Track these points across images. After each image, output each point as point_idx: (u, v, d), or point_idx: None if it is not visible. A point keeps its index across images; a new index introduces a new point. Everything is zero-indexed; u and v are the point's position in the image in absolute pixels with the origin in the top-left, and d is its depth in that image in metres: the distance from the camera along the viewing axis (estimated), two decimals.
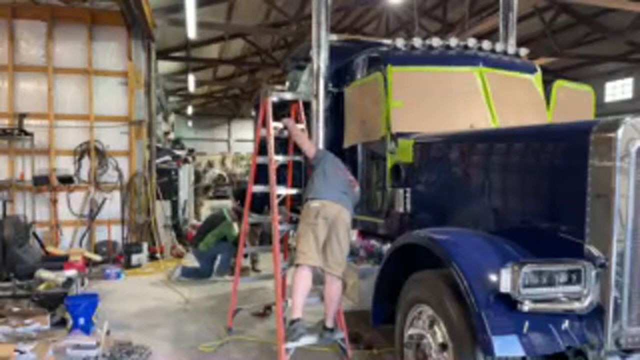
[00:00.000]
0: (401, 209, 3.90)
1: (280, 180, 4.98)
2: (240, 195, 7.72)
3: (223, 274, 7.26)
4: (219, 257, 7.32)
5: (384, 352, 4.27)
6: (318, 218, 3.94)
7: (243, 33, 14.38)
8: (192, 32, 9.59)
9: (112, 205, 8.61)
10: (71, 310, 4.68)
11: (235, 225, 7.44)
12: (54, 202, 8.40)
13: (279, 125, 4.77)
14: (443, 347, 2.78)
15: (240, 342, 4.66)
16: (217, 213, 7.92)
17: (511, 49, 4.71)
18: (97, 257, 7.87)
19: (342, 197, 4.09)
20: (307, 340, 4.01)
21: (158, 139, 11.27)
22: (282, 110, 5.19)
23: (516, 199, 3.05)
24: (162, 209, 9.11)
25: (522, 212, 2.98)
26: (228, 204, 12.60)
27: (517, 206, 3.04)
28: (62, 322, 4.84)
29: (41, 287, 5.42)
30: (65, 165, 8.49)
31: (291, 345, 3.89)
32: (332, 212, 3.97)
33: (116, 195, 8.69)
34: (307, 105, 5.02)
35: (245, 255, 7.25)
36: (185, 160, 11.99)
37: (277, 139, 4.76)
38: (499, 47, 4.60)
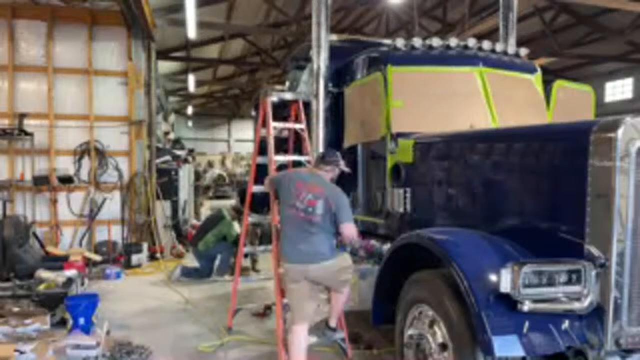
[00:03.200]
0: (401, 209, 3.90)
1: None
2: (243, 195, 7.71)
3: (223, 274, 7.26)
4: (218, 257, 7.32)
5: (384, 352, 4.27)
6: (289, 284, 3.66)
7: (243, 33, 14.38)
8: (192, 32, 9.59)
9: (112, 205, 8.60)
10: (71, 310, 4.68)
11: (235, 224, 7.44)
12: (54, 202, 8.39)
13: (279, 125, 4.77)
14: (443, 347, 2.78)
15: (240, 342, 4.66)
16: (216, 213, 7.92)
17: (511, 49, 4.72)
18: (97, 257, 7.86)
19: (302, 250, 3.55)
20: (307, 340, 4.00)
21: (158, 139, 11.27)
22: (282, 110, 5.19)
23: (516, 199, 3.05)
24: (162, 209, 9.11)
25: (522, 212, 2.98)
26: (228, 204, 12.59)
27: (517, 206, 3.03)
28: (62, 322, 4.84)
29: (41, 287, 5.43)
30: (65, 165, 8.48)
31: None
32: (297, 275, 3.59)
33: (116, 195, 8.68)
34: (307, 105, 5.02)
35: (246, 255, 7.25)
36: (185, 160, 11.98)
37: (277, 138, 4.76)
38: (499, 47, 4.60)
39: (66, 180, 8.31)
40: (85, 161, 8.58)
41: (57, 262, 6.69)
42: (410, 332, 3.09)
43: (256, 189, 4.89)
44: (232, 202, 12.30)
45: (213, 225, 7.41)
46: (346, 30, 14.03)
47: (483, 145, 3.38)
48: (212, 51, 16.09)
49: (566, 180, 2.66)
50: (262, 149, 4.92)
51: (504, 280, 2.36)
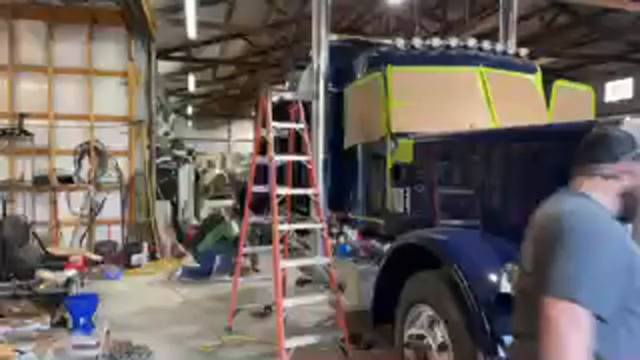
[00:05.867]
0: (401, 209, 3.90)
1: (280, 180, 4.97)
2: (242, 195, 7.72)
3: (223, 274, 7.27)
4: (218, 258, 7.32)
5: (384, 352, 4.27)
6: None
7: (243, 33, 14.38)
8: (192, 32, 9.59)
9: (112, 205, 8.59)
10: (71, 310, 4.68)
11: (234, 225, 7.45)
12: (54, 202, 8.39)
13: (279, 125, 4.78)
14: (443, 347, 2.78)
15: (240, 342, 4.66)
16: (215, 213, 7.94)
17: (511, 49, 4.72)
18: (97, 257, 7.86)
19: None
20: (307, 340, 4.01)
21: (157, 139, 11.27)
22: (282, 110, 5.19)
23: (516, 199, 3.05)
24: (162, 209, 9.10)
25: (522, 212, 2.97)
26: (229, 203, 12.60)
27: (517, 206, 3.03)
28: (62, 322, 4.84)
29: (41, 287, 5.43)
30: (65, 165, 8.48)
31: (291, 344, 3.89)
32: None
33: (116, 195, 8.68)
34: (307, 105, 5.02)
35: (246, 255, 7.26)
36: (185, 160, 11.98)
37: (277, 138, 4.76)
38: (499, 47, 4.61)
39: (66, 180, 8.31)
40: (85, 161, 8.57)
41: (57, 262, 6.68)
42: (410, 332, 3.09)
43: (256, 189, 4.89)
44: (232, 202, 12.30)
45: (212, 226, 7.43)
46: (346, 30, 14.02)
47: (483, 145, 3.38)
48: (212, 51, 16.09)
49: (566, 180, 2.66)
50: (262, 148, 4.93)
51: (504, 280, 2.36)
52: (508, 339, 2.36)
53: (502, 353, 2.35)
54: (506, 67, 4.47)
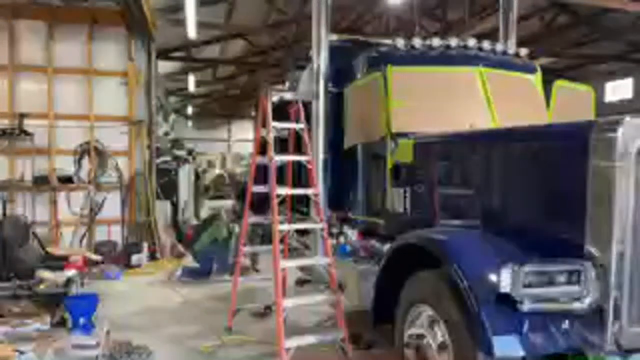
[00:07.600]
0: (401, 209, 3.90)
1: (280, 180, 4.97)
2: (242, 195, 7.74)
3: (223, 273, 7.27)
4: (217, 257, 7.33)
5: (384, 352, 4.27)
6: None
7: (243, 33, 14.39)
8: (192, 32, 9.59)
9: (112, 205, 8.59)
10: (71, 310, 4.68)
11: (223, 226, 7.48)
12: (54, 202, 8.39)
13: (279, 125, 4.78)
14: (443, 347, 2.78)
15: (240, 342, 4.66)
16: (213, 214, 7.96)
17: (511, 49, 4.72)
18: (97, 257, 7.86)
19: None
20: (307, 340, 4.01)
21: (157, 139, 11.27)
22: (282, 110, 5.19)
23: (516, 199, 3.05)
24: (162, 209, 9.10)
25: (522, 212, 2.98)
26: (229, 203, 12.60)
27: (517, 206, 3.04)
28: (62, 322, 4.84)
29: (41, 287, 5.43)
30: (65, 165, 8.48)
31: (291, 344, 3.89)
32: None
33: (116, 195, 8.68)
34: (307, 105, 5.02)
35: (245, 255, 7.27)
36: (185, 160, 11.98)
37: (277, 138, 4.76)
38: (499, 47, 4.61)
39: (66, 180, 8.31)
40: (85, 161, 8.57)
41: (57, 262, 6.68)
42: (410, 332, 3.09)
43: (256, 189, 4.89)
44: (232, 202, 12.31)
45: (208, 226, 7.47)
46: (346, 30, 14.02)
47: (483, 145, 3.38)
48: (212, 51, 16.09)
49: (566, 180, 2.66)
50: (262, 148, 4.93)
51: (504, 280, 2.37)
52: (508, 339, 2.37)
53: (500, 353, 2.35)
54: (506, 67, 4.47)
